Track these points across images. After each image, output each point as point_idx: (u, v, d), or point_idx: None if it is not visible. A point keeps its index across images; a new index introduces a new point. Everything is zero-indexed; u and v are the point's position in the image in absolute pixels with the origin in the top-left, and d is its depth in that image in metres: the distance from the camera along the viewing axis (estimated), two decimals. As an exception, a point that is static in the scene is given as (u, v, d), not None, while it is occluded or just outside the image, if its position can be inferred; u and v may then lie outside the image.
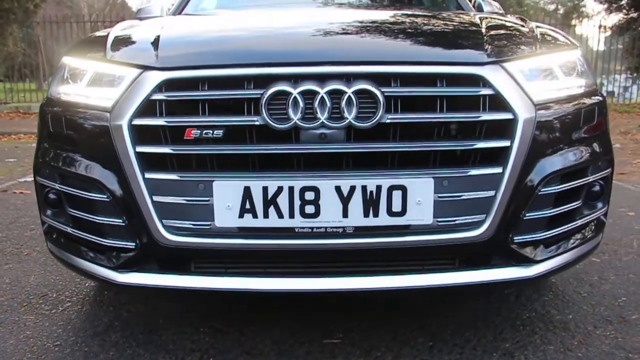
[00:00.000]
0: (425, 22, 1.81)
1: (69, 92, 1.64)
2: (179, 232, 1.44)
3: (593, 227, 1.68)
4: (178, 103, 1.41)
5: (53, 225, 1.67)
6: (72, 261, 1.64)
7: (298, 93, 1.35)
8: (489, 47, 1.52)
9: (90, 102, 1.54)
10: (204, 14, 2.53)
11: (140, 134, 1.42)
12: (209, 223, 1.41)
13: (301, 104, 1.35)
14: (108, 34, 1.83)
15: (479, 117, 1.40)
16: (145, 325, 1.90)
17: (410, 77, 1.42)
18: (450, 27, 1.78)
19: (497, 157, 1.43)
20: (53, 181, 1.62)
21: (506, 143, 1.42)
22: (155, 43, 1.56)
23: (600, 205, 1.68)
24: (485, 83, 1.43)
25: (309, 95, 1.36)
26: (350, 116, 1.35)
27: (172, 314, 1.97)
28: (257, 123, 1.37)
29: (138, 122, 1.41)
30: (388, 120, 1.37)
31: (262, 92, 1.37)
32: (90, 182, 1.51)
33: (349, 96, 1.35)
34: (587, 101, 1.62)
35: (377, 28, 1.67)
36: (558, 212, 1.53)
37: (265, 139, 1.39)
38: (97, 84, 1.57)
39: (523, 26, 1.84)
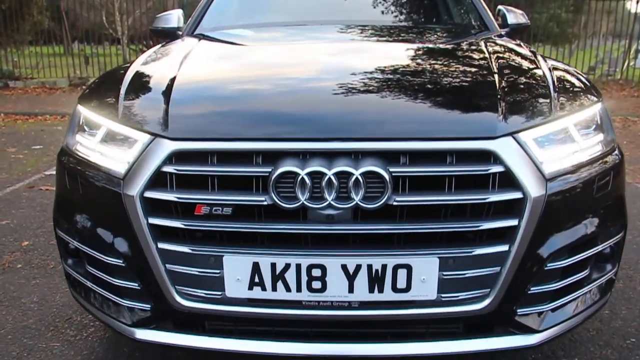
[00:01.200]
0: (438, 75, 1.79)
1: (83, 146, 1.71)
2: (192, 299, 1.50)
3: (602, 289, 1.69)
4: (188, 176, 1.45)
5: (73, 276, 1.75)
6: (92, 311, 1.73)
7: (306, 174, 1.37)
8: (502, 114, 1.50)
9: (104, 163, 1.59)
10: (217, 41, 2.51)
11: (152, 206, 1.46)
12: (220, 293, 1.47)
13: (309, 184, 1.37)
14: (120, 80, 1.87)
15: (487, 198, 1.40)
16: (163, 357, 2.00)
17: (419, 154, 1.43)
18: (464, 83, 1.74)
19: (504, 235, 1.44)
20: (71, 237, 1.69)
21: (514, 222, 1.42)
22: (166, 105, 1.59)
23: (609, 267, 1.68)
24: (496, 159, 1.42)
25: (316, 175, 1.38)
26: (357, 197, 1.37)
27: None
28: (265, 203, 1.40)
29: (149, 194, 1.45)
30: (395, 203, 1.38)
31: (270, 169, 1.40)
32: (106, 246, 1.57)
33: (357, 178, 1.37)
34: (603, 165, 1.60)
35: (386, 89, 1.65)
36: (565, 284, 1.55)
37: (273, 216, 1.42)
38: (110, 143, 1.63)
39: (540, 72, 1.80)
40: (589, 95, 1.77)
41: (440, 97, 1.63)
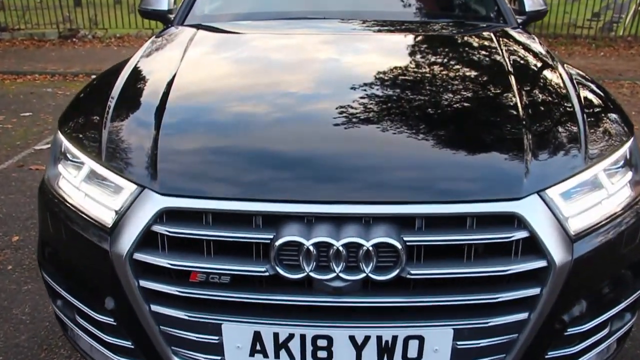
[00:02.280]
0: (454, 117, 1.61)
1: (66, 182, 1.58)
2: (189, 359, 1.41)
3: (619, 338, 1.61)
4: (181, 239, 1.32)
5: (63, 320, 1.65)
6: (84, 355, 1.65)
7: (311, 245, 1.24)
8: (529, 169, 1.37)
9: (89, 208, 1.46)
10: (212, 45, 2.29)
11: (143, 268, 1.34)
12: (219, 358, 1.38)
13: (314, 254, 1.25)
14: (104, 102, 1.71)
15: (509, 270, 1.29)
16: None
17: (436, 218, 1.30)
18: (485, 127, 1.58)
19: (524, 303, 1.33)
20: (58, 285, 1.58)
21: (536, 291, 1.32)
22: (154, 149, 1.44)
23: (629, 317, 1.59)
24: (521, 222, 1.30)
25: (323, 245, 1.25)
26: (367, 269, 1.26)
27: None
28: (266, 274, 1.28)
29: (139, 256, 1.33)
30: (409, 276, 1.27)
31: (272, 236, 1.27)
32: (95, 303, 1.47)
33: (367, 249, 1.24)
34: (633, 215, 1.48)
35: (397, 134, 1.50)
36: (584, 345, 1.46)
37: (275, 285, 1.31)
38: (94, 184, 1.49)
39: (569, 105, 1.65)
40: (620, 130, 1.63)
41: (459, 147, 1.47)
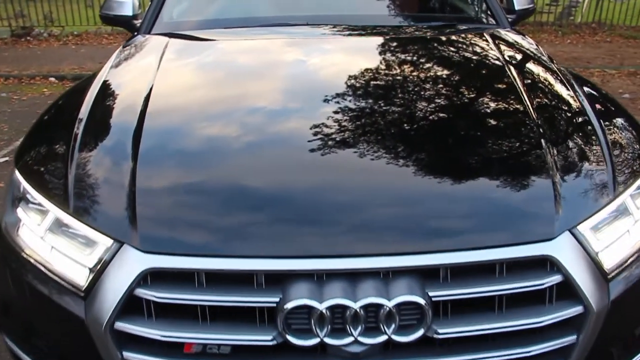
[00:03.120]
0: (470, 147, 1.44)
1: (27, 230, 1.36)
2: None
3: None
4: (171, 304, 1.13)
5: None
6: None
7: (325, 309, 1.07)
8: (559, 204, 1.23)
9: (57, 265, 1.26)
10: (185, 61, 2.06)
11: (128, 339, 1.15)
12: None
13: (328, 316, 1.08)
14: (68, 137, 1.50)
15: (543, 321, 1.15)
16: None
17: (463, 268, 1.15)
18: (507, 157, 1.42)
19: (559, 353, 1.20)
20: (24, 352, 1.37)
21: (572, 339, 1.19)
22: (132, 196, 1.24)
23: None
24: (554, 265, 1.16)
25: (338, 307, 1.09)
26: (389, 331, 1.10)
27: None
28: (272, 343, 1.10)
29: (122, 326, 1.14)
30: (436, 335, 1.12)
31: (278, 299, 1.09)
32: None
33: (389, 309, 1.08)
34: None
35: (409, 171, 1.35)
36: None
37: (283, 351, 1.14)
38: (62, 235, 1.28)
39: (589, 128, 1.52)
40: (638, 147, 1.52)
41: (478, 181, 1.33)
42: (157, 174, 1.35)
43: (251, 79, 1.83)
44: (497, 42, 2.10)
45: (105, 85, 1.81)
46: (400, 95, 1.71)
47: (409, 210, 1.23)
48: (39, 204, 1.35)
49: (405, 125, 1.54)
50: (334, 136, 1.43)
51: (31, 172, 1.45)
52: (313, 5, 2.48)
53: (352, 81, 1.78)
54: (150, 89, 1.67)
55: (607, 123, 1.58)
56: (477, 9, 2.54)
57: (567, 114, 1.64)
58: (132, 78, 1.87)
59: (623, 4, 10.26)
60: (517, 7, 2.64)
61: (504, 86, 1.75)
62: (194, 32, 2.28)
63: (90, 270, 1.20)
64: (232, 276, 1.13)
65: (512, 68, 1.82)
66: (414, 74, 1.89)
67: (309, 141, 1.41)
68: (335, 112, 1.54)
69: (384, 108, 1.59)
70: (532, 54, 2.10)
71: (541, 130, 1.46)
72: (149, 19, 2.45)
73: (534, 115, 1.52)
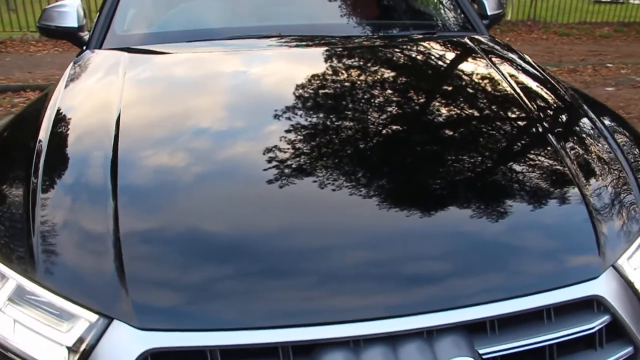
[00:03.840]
0: (495, 180, 1.32)
1: None
2: None
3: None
4: None
5: None
6: None
7: None
8: (599, 238, 1.13)
9: (24, 347, 1.02)
10: (150, 77, 1.85)
11: None
12: None
13: None
14: (26, 179, 1.26)
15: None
16: None
17: (511, 318, 1.02)
18: (537, 189, 1.28)
19: None
20: None
21: None
22: (117, 255, 1.03)
23: None
24: (600, 305, 1.06)
25: None
26: None
27: None
28: None
29: None
30: None
31: None
32: None
33: None
34: None
35: (438, 203, 1.21)
36: None
37: None
38: (27, 306, 1.05)
39: (606, 147, 1.45)
40: None
41: (515, 221, 1.19)
42: (147, 220, 1.13)
43: (228, 99, 1.65)
44: (480, 49, 2.01)
45: (63, 111, 1.57)
46: (395, 111, 1.57)
47: (447, 259, 1.08)
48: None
49: (412, 147, 1.41)
50: (344, 170, 1.27)
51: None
52: (283, 13, 2.30)
53: (337, 98, 1.63)
54: (118, 115, 1.46)
55: (622, 143, 1.51)
56: (453, 15, 2.43)
57: (585, 135, 1.54)
58: (94, 101, 1.63)
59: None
60: (489, 13, 2.58)
61: (514, 107, 1.63)
62: (153, 47, 2.05)
63: (70, 350, 0.98)
64: (254, 351, 0.94)
65: (513, 83, 1.72)
66: (402, 86, 1.77)
67: (312, 180, 1.25)
68: (324, 133, 1.42)
69: (378, 126, 1.46)
70: (527, 64, 2.02)
71: (564, 157, 1.36)
72: (99, 32, 2.19)
73: (553, 141, 1.42)
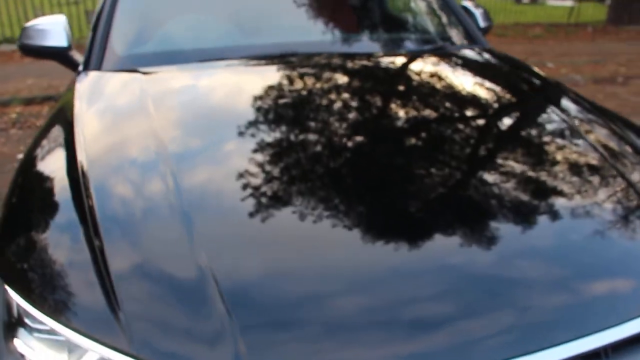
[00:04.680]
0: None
1: None
2: None
3: None
4: None
5: None
6: None
7: None
8: None
9: None
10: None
11: None
12: None
13: None
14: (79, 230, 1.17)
15: None
16: None
17: (622, 344, 1.04)
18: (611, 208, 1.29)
19: None
20: None
21: None
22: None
23: None
24: None
25: None
26: None
27: None
28: None
29: None
30: None
31: None
32: None
33: None
34: None
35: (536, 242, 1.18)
36: None
37: None
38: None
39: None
40: None
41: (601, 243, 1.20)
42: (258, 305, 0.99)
43: (275, 126, 1.58)
44: (487, 62, 2.06)
45: (98, 154, 1.43)
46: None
47: (559, 288, 1.09)
48: (56, 333, 1.00)
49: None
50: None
51: (29, 287, 1.08)
52: (294, 29, 2.25)
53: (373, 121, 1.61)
54: (163, 148, 1.37)
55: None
56: (454, 29, 2.47)
57: (626, 154, 1.58)
58: (133, 139, 1.50)
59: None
60: (481, 25, 2.65)
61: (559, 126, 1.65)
62: (165, 69, 1.93)
63: None
64: None
65: (529, 94, 1.77)
66: (415, 105, 1.75)
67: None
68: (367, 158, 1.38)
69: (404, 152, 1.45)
70: (537, 76, 2.07)
71: (623, 178, 1.39)
72: (97, 52, 2.05)
73: (608, 158, 1.46)
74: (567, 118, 1.66)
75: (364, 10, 2.48)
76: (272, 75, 1.91)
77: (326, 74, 1.95)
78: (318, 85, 1.86)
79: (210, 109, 1.68)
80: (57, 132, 1.70)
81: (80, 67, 2.08)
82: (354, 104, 1.71)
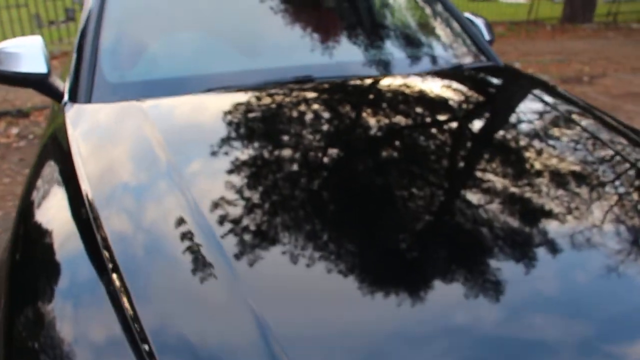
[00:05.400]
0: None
1: None
2: None
3: None
4: None
5: None
6: None
7: None
8: None
9: None
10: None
11: None
12: None
13: None
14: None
15: None
16: None
17: None
18: None
19: None
20: None
21: None
22: None
23: None
24: None
25: None
26: None
27: None
28: None
29: None
30: None
31: None
32: None
33: None
34: None
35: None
36: None
37: None
38: None
39: None
40: None
41: None
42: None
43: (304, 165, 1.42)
44: (512, 82, 1.95)
45: (105, 190, 1.28)
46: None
47: None
48: None
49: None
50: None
51: None
52: (300, 49, 2.07)
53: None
54: (184, 192, 1.21)
55: None
56: (463, 44, 2.35)
57: None
58: (139, 176, 1.33)
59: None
60: (487, 39, 2.56)
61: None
62: (170, 100, 1.72)
63: None
64: None
65: (575, 125, 1.66)
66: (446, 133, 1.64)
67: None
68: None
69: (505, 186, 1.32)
70: (565, 98, 1.97)
71: None
72: (85, 81, 1.82)
73: None
74: (599, 146, 1.57)
75: (371, 28, 2.32)
76: (289, 106, 1.73)
77: (344, 101, 1.79)
78: (341, 113, 1.70)
79: (232, 149, 1.49)
80: (54, 174, 1.49)
81: (66, 97, 1.84)
82: (380, 136, 1.57)
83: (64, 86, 1.98)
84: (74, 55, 1.93)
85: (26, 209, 1.39)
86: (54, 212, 1.33)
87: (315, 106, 1.73)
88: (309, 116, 1.67)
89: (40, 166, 1.58)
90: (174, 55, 1.97)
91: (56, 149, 1.63)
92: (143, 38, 2.01)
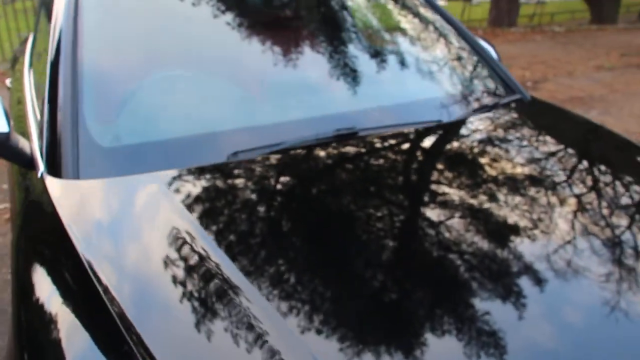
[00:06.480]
0: None
1: None
2: None
3: None
4: None
5: None
6: None
7: None
8: None
9: None
10: None
11: None
12: None
13: None
14: None
15: None
16: None
17: None
18: None
19: None
20: None
21: None
22: None
23: None
24: None
25: None
26: None
27: None
28: None
29: None
30: None
31: None
32: None
33: None
34: None
35: None
36: None
37: None
38: None
39: None
40: None
41: None
42: None
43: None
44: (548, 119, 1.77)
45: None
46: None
47: None
48: None
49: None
50: None
51: None
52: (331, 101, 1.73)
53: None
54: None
55: None
56: (490, 78, 2.12)
57: None
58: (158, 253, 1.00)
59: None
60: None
61: None
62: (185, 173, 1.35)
63: None
64: None
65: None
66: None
67: None
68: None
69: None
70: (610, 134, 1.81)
71: None
72: (66, 149, 1.40)
73: None
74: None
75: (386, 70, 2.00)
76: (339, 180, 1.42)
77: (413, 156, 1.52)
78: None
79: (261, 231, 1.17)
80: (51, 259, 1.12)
81: (41, 168, 1.42)
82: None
83: (31, 147, 1.55)
84: (46, 107, 1.50)
85: (23, 291, 1.13)
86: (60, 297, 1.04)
87: (385, 174, 1.44)
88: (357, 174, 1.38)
89: (31, 246, 1.19)
90: (181, 108, 1.57)
91: (46, 230, 1.24)
92: (140, 90, 1.59)
